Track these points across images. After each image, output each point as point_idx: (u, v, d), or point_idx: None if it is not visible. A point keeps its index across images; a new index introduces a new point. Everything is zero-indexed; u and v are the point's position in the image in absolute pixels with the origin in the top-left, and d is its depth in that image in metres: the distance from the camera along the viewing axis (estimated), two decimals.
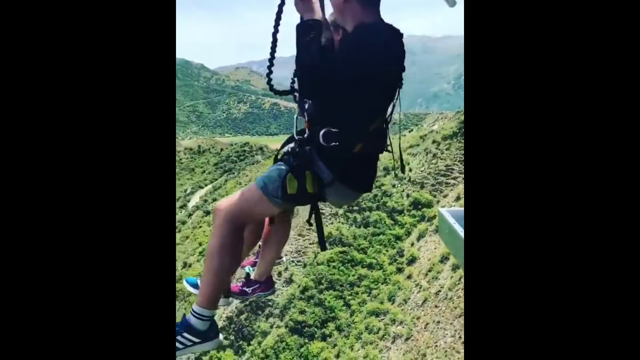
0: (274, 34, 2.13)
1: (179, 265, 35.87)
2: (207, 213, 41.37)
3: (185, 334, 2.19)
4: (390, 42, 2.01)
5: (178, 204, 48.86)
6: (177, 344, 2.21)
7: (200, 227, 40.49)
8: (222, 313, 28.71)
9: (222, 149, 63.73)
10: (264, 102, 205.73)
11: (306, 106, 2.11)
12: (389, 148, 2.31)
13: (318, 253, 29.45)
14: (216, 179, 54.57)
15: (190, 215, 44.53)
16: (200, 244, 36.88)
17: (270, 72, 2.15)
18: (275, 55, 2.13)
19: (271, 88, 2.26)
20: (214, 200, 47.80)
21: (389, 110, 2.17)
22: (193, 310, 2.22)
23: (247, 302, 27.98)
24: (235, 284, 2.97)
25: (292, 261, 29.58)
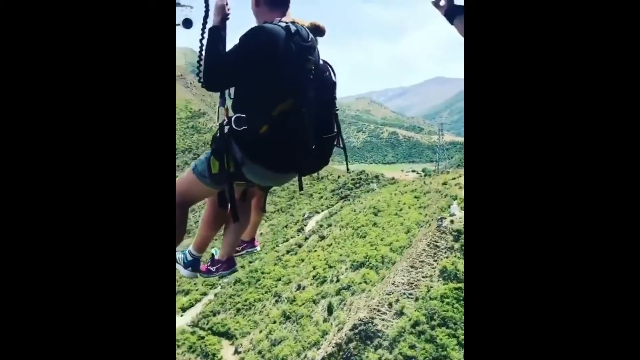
0: (201, 40, 2.50)
1: (292, 287, 37.08)
2: (322, 238, 42.32)
3: None
4: (278, 40, 2.29)
5: (296, 227, 50.82)
6: None
7: (315, 251, 41.55)
8: (332, 339, 28.92)
9: (339, 176, 65.37)
10: (383, 132, 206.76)
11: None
12: (341, 144, 2.73)
13: (431, 287, 28.40)
14: (332, 205, 55.89)
15: (306, 238, 45.96)
16: (314, 268, 37.81)
17: (199, 70, 2.45)
18: (201, 56, 2.47)
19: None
20: (329, 225, 48.82)
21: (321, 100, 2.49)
22: None
23: (357, 331, 27.87)
24: (204, 264, 3.30)
25: (404, 293, 28.89)
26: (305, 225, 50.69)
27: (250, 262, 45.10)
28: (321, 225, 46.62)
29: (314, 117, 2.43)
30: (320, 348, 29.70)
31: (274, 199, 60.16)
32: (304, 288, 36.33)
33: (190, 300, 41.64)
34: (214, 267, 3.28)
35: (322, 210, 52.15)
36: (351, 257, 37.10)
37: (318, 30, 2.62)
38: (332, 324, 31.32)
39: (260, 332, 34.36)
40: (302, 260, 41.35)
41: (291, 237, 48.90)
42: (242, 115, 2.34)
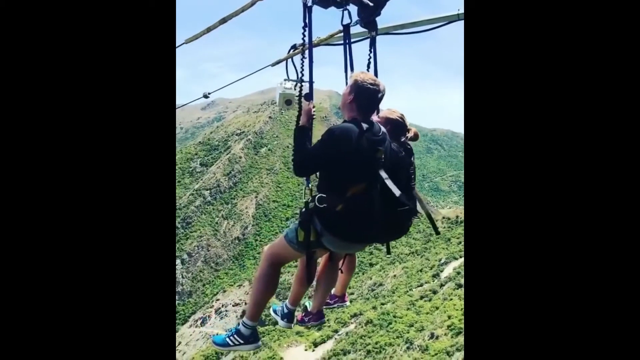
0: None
1: (425, 334, 35.42)
2: (460, 286, 40.01)
3: (233, 337, 3.31)
4: (350, 137, 2.81)
5: (431, 272, 48.95)
6: (228, 342, 3.32)
7: (451, 299, 39.39)
8: None
9: None
10: None
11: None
12: (418, 215, 3.20)
13: None
14: None
15: (442, 285, 43.91)
16: (449, 317, 35.77)
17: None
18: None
19: None
20: None
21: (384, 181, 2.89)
22: (243, 321, 3.33)
23: None
24: (299, 314, 3.96)
25: None
26: (441, 272, 48.53)
27: (382, 304, 44.44)
28: (459, 273, 44.16)
29: (385, 195, 2.87)
30: None
31: (409, 241, 58.91)
32: (437, 337, 34.45)
33: (322, 336, 42.27)
34: (307, 318, 3.96)
35: (460, 257, 49.44)
36: None
37: (403, 121, 3.33)
38: None
39: None
40: (437, 308, 39.42)
41: (426, 282, 47.14)
42: (323, 195, 2.90)
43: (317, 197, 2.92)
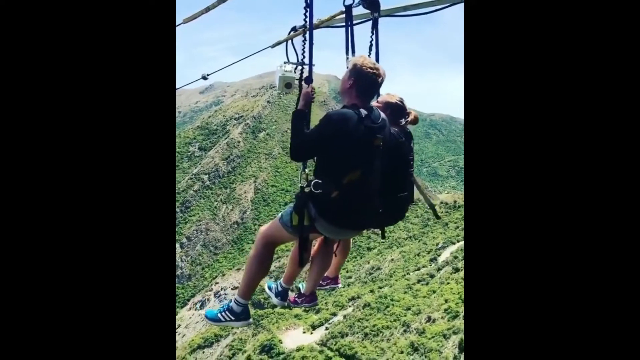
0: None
1: (422, 318, 35.83)
2: (457, 270, 40.29)
3: (225, 312, 3.36)
4: (349, 123, 2.77)
5: (429, 257, 49.25)
6: (220, 317, 3.38)
7: (448, 283, 39.72)
8: None
9: None
10: None
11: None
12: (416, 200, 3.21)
13: None
14: None
15: (439, 269, 44.22)
16: (446, 301, 36.11)
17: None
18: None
19: None
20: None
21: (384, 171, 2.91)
22: (235, 298, 3.39)
23: None
24: (292, 295, 3.98)
25: None
26: (438, 256, 48.81)
27: (380, 287, 44.79)
28: (456, 257, 44.42)
29: (380, 182, 2.91)
30: None
31: (407, 225, 59.10)
32: (434, 321, 34.81)
33: (320, 319, 42.69)
34: (300, 299, 3.99)
35: (458, 241, 49.69)
36: None
37: (402, 105, 3.30)
38: None
39: None
40: (434, 292, 39.76)
41: (423, 267, 47.44)
42: (319, 180, 2.87)
43: (312, 183, 2.88)
